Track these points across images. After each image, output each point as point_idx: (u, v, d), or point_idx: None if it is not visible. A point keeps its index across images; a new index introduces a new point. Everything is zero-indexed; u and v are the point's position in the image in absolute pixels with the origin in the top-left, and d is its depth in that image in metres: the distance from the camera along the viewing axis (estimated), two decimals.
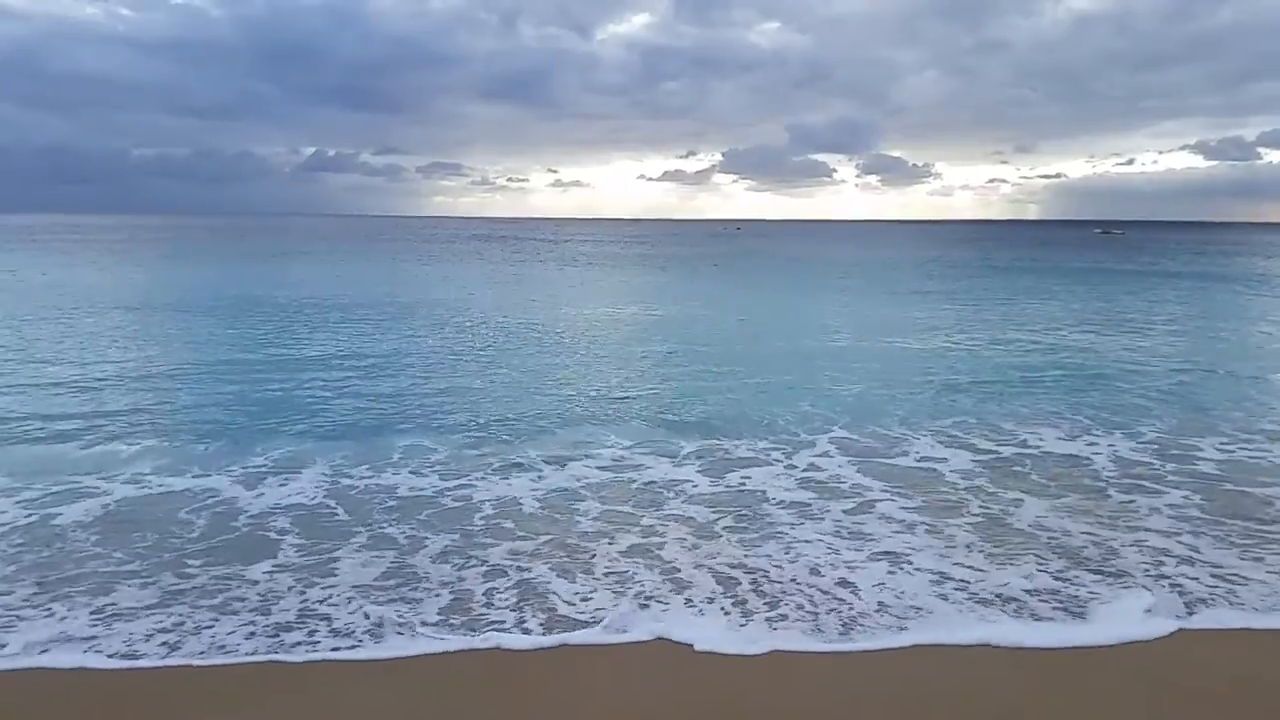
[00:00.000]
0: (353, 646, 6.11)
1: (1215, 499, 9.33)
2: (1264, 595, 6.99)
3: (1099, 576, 7.36)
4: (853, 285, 40.36)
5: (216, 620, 6.50)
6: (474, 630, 6.37)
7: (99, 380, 15.21)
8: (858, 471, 10.35)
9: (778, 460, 10.79)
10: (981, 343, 21.11)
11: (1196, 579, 7.32)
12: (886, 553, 7.88)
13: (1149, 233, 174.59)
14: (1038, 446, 11.47)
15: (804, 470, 10.41)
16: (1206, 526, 8.54)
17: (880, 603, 6.86)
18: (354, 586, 7.10)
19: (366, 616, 6.57)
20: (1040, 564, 7.64)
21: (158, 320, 23.87)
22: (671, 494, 9.51)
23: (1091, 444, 11.62)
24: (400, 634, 6.29)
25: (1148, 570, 7.50)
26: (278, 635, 6.28)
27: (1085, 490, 9.70)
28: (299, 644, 6.13)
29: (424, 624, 6.46)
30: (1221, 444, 11.55)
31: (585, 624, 6.49)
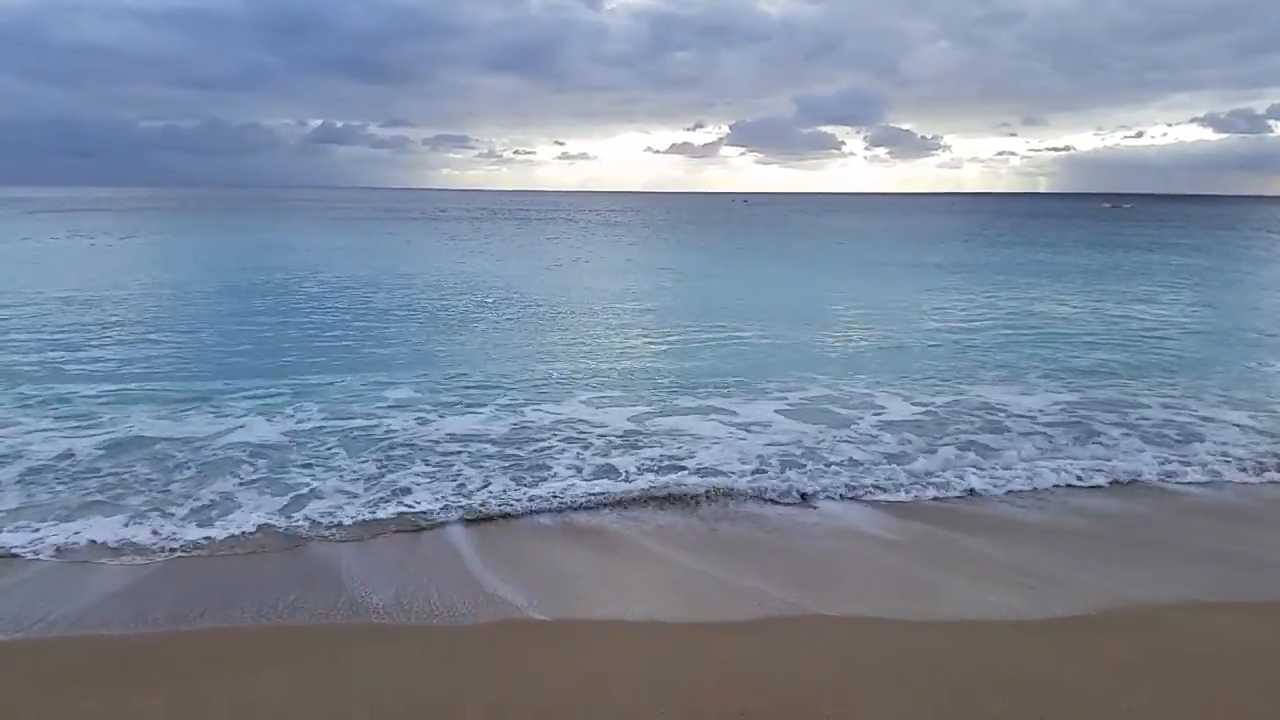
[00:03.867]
0: (357, 610, 6.34)
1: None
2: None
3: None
4: (862, 257, 41.38)
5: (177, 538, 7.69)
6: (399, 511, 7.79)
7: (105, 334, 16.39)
8: (787, 420, 11.49)
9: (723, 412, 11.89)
10: (979, 314, 22.15)
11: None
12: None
13: (1158, 206, 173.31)
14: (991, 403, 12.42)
15: (736, 421, 11.42)
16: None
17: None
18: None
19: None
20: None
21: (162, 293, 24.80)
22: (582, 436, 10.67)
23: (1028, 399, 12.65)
24: (409, 600, 6.52)
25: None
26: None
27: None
28: (290, 607, 6.41)
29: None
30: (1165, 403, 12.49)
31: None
